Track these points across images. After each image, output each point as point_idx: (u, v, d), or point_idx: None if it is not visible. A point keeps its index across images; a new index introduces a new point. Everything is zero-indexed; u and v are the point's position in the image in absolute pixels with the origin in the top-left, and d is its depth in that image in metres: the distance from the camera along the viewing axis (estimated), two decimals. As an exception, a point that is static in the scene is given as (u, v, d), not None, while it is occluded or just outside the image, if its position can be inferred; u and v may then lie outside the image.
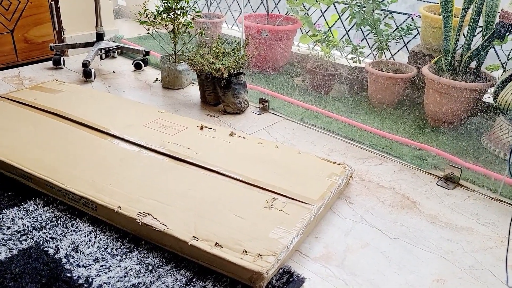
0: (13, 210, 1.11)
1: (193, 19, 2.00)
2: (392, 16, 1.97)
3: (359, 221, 1.17)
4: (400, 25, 1.96)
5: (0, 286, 0.89)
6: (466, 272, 1.01)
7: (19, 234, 1.04)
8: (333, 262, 1.02)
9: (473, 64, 1.64)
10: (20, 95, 1.64)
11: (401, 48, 2.02)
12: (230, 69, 1.70)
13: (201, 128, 1.48)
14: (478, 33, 1.62)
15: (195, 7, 2.03)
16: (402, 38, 1.96)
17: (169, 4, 1.87)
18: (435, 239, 1.11)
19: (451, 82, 1.57)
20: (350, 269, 1.00)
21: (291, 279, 0.94)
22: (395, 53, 2.04)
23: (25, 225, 1.07)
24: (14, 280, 0.91)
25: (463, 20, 1.59)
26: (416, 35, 1.95)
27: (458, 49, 1.65)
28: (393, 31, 1.92)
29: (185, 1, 1.90)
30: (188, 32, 1.94)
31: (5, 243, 1.01)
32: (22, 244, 1.01)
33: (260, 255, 0.93)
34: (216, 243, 0.95)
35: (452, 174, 1.35)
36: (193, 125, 1.49)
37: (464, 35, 1.66)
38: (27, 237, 1.03)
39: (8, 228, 1.05)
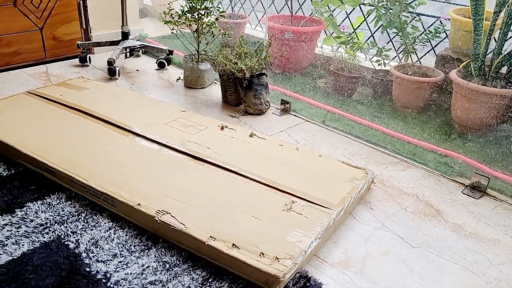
0: (37, 204, 1.14)
1: (217, 19, 2.01)
2: (420, 19, 1.92)
3: (380, 227, 1.14)
4: (428, 28, 1.90)
5: (22, 277, 0.91)
6: (492, 285, 0.97)
7: (42, 227, 1.06)
8: (352, 268, 1.00)
9: (504, 69, 1.58)
10: (47, 91, 1.69)
11: (428, 51, 1.97)
12: (252, 69, 1.70)
13: (222, 128, 1.48)
14: (510, 38, 1.56)
15: (219, 8, 2.04)
16: (430, 41, 1.90)
17: (193, 4, 1.88)
18: (460, 250, 1.07)
19: (480, 88, 1.52)
20: (369, 276, 0.98)
21: (308, 284, 0.93)
22: (422, 57, 1.98)
23: (47, 218, 1.09)
24: (35, 272, 0.93)
25: (495, 23, 1.53)
26: (444, 39, 1.89)
27: (488, 54, 1.59)
28: (420, 34, 1.87)
29: (210, 1, 1.91)
30: (212, 32, 1.95)
31: (28, 235, 1.03)
32: (44, 237, 1.03)
33: (277, 258, 0.91)
34: (233, 244, 0.95)
35: (479, 183, 1.30)
36: (214, 125, 1.50)
37: (495, 39, 1.60)
38: (49, 230, 1.05)
39: (31, 221, 1.08)
